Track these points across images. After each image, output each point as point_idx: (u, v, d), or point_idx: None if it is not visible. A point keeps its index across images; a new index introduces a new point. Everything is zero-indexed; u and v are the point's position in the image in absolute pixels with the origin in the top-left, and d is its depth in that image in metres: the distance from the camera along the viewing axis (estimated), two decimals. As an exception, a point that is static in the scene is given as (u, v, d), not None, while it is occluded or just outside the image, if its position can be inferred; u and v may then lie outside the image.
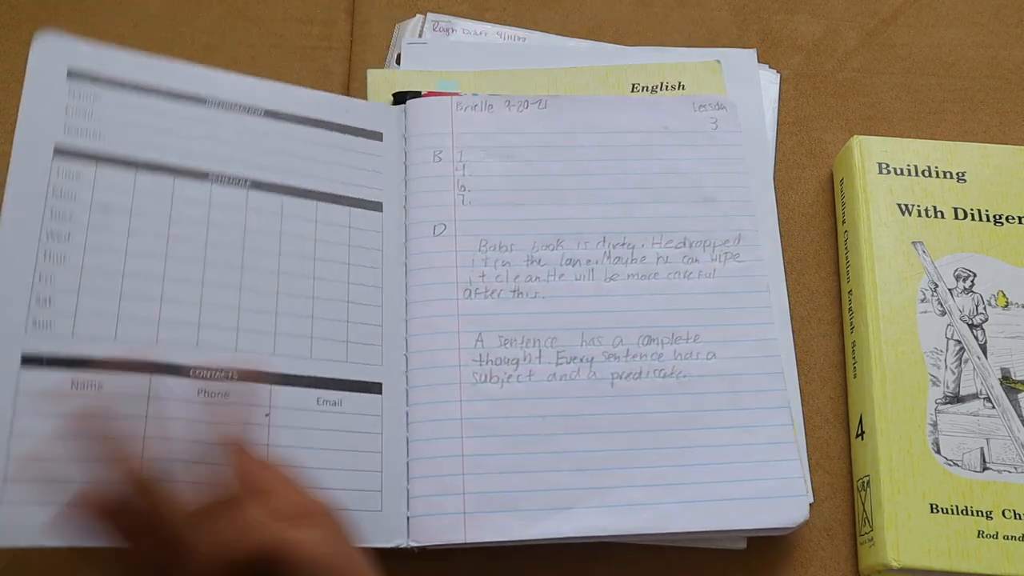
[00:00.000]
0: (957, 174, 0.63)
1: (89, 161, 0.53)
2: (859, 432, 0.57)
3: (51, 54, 0.54)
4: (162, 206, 0.53)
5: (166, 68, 0.57)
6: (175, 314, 0.51)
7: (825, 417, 0.59)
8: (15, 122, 0.68)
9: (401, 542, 0.51)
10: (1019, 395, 0.57)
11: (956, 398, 0.56)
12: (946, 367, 0.57)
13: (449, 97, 0.62)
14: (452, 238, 0.58)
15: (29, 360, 0.48)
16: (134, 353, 0.49)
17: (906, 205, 0.61)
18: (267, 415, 0.52)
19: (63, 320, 0.49)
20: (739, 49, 0.69)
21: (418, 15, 0.70)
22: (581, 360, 0.56)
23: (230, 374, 0.51)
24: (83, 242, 0.51)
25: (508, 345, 0.56)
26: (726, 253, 0.59)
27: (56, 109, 0.53)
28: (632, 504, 0.53)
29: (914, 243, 0.60)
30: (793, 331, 0.60)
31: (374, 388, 0.55)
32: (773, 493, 0.53)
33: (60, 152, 0.52)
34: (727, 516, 0.52)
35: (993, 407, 0.56)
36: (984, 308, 0.59)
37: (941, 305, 0.59)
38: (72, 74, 0.54)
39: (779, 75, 0.69)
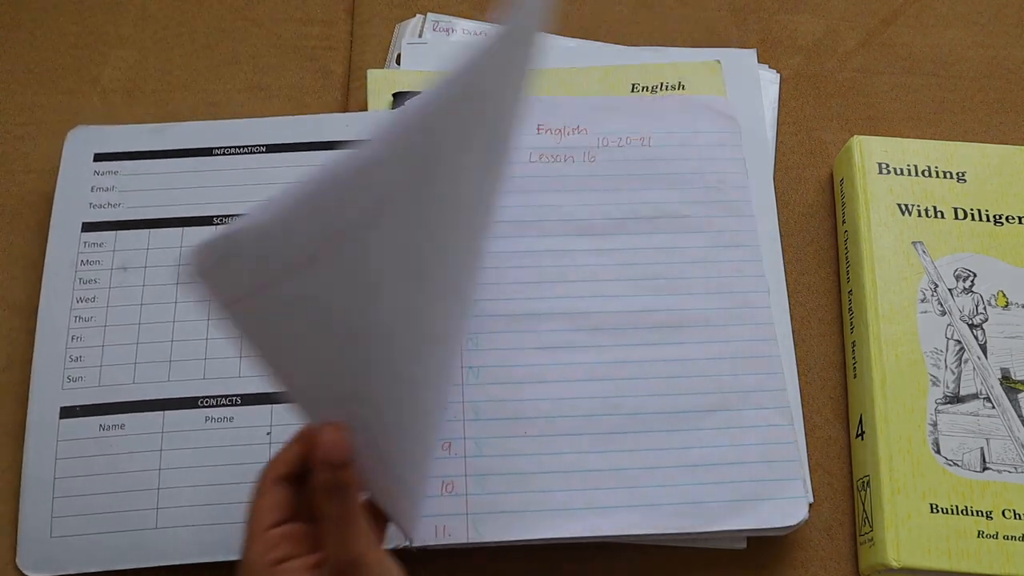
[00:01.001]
0: (957, 174, 0.63)
1: (111, 230, 0.58)
2: (859, 432, 0.57)
3: (81, 146, 0.61)
4: (172, 256, 0.58)
5: (177, 130, 0.61)
6: (184, 352, 0.56)
7: (825, 417, 0.59)
8: (13, 121, 0.68)
9: (402, 542, 0.51)
10: (1019, 395, 0.57)
11: (956, 398, 0.56)
12: (946, 367, 0.57)
13: (449, 97, 0.62)
14: (452, 238, 0.58)
15: (66, 412, 0.54)
16: (150, 393, 0.55)
17: (906, 205, 0.61)
18: (268, 434, 0.54)
19: (91, 372, 0.55)
20: (739, 49, 0.69)
21: (418, 15, 0.70)
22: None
23: (234, 400, 0.54)
24: (106, 301, 0.57)
25: (508, 345, 0.56)
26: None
27: (83, 192, 0.59)
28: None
29: (914, 243, 0.60)
30: (793, 331, 0.60)
31: (374, 391, 0.55)
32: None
33: (87, 228, 0.59)
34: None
35: (993, 407, 0.56)
36: (984, 308, 0.59)
37: (941, 305, 0.59)
38: (97, 157, 0.61)
39: (779, 75, 0.69)
